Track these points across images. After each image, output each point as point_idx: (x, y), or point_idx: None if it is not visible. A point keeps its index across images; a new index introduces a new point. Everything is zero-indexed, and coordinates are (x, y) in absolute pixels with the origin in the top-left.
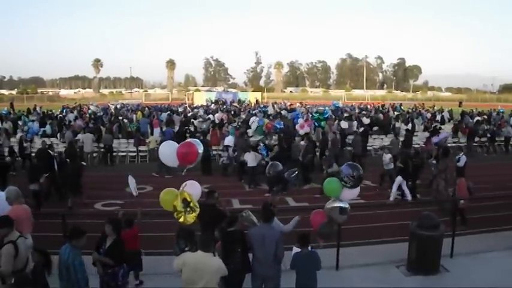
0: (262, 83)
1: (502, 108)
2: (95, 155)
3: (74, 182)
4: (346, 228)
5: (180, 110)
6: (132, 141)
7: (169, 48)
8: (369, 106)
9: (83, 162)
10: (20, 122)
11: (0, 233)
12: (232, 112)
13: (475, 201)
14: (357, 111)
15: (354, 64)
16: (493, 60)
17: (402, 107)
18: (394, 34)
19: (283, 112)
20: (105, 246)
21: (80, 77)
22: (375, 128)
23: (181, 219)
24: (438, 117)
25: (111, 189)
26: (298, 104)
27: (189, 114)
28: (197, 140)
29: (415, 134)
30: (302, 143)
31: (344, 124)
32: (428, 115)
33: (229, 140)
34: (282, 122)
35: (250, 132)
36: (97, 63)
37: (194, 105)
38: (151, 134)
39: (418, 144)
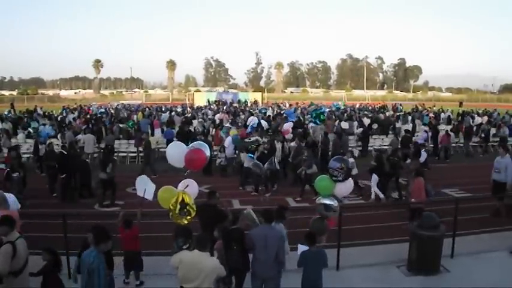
0: (262, 83)
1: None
2: (95, 155)
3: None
4: (347, 229)
5: (179, 110)
6: (132, 141)
7: (169, 49)
8: (370, 107)
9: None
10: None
11: (0, 231)
12: (233, 112)
13: (476, 202)
14: (358, 113)
15: (354, 64)
16: (494, 60)
17: (402, 107)
18: (394, 34)
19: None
20: None
21: (80, 78)
22: (375, 126)
23: (176, 220)
24: (440, 117)
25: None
26: (288, 104)
27: (188, 115)
28: (205, 145)
29: (416, 133)
30: (292, 144)
31: (344, 124)
32: (431, 115)
33: (227, 141)
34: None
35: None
36: (97, 64)
37: (199, 106)
38: (152, 134)
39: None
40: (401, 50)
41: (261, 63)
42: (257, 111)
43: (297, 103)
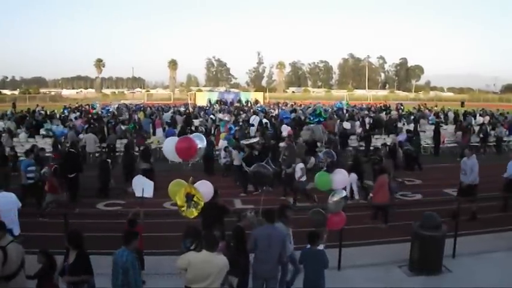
0: (264, 83)
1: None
2: (97, 155)
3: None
4: (348, 229)
5: (181, 109)
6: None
7: (171, 49)
8: (372, 107)
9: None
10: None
11: None
12: (235, 112)
13: (478, 202)
14: (365, 112)
15: (356, 64)
16: (495, 61)
17: (403, 107)
18: (396, 34)
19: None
20: (69, 261)
21: (82, 77)
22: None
23: (184, 214)
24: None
25: (113, 189)
26: (282, 104)
27: (191, 114)
28: (199, 135)
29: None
30: (282, 144)
31: (346, 124)
32: (431, 115)
33: (221, 144)
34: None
35: (252, 131)
36: (99, 63)
37: (202, 105)
38: (154, 134)
39: (420, 144)
40: (403, 50)
41: (263, 62)
42: (258, 109)
43: (294, 103)
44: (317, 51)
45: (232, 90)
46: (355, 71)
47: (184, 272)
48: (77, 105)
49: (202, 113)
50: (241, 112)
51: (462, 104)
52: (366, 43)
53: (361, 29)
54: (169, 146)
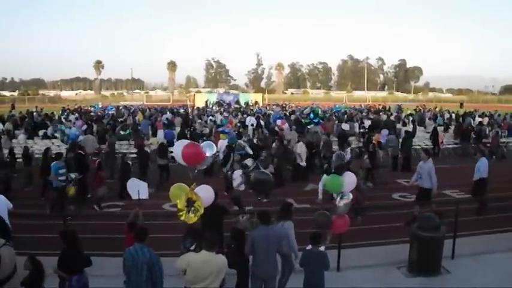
0: (263, 84)
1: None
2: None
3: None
4: (347, 230)
5: (181, 111)
6: (133, 142)
7: (170, 50)
8: (372, 109)
9: None
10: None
11: None
12: (233, 114)
13: (477, 203)
14: (364, 113)
15: (355, 65)
16: (494, 62)
17: (401, 109)
18: (395, 35)
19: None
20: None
21: (81, 79)
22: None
23: (182, 218)
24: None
25: (112, 190)
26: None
27: (190, 116)
28: (210, 143)
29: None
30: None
31: (345, 126)
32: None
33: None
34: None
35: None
36: (98, 65)
37: (203, 107)
38: (153, 135)
39: (420, 145)
40: (402, 51)
41: (262, 64)
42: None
43: (285, 104)
44: (316, 53)
45: (231, 91)
46: (354, 73)
47: (183, 273)
48: (75, 107)
49: (201, 115)
50: (239, 114)
51: (461, 105)
52: (364, 44)
53: (360, 31)
54: (178, 150)
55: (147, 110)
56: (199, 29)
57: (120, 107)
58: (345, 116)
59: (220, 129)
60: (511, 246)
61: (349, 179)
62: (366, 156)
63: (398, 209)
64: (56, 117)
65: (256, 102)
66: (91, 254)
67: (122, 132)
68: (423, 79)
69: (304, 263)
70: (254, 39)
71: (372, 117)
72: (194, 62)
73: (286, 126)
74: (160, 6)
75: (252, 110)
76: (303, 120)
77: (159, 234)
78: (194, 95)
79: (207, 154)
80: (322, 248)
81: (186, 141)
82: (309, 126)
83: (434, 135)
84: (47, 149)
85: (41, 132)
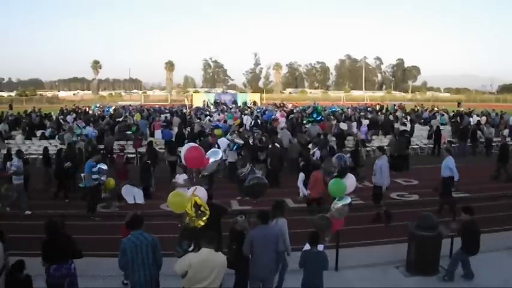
0: (261, 84)
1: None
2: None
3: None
4: (345, 229)
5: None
6: (131, 142)
7: (168, 50)
8: (369, 108)
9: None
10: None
11: None
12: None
13: (474, 202)
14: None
15: (352, 65)
16: (492, 61)
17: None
18: (392, 35)
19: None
20: None
21: (78, 79)
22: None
23: (193, 223)
24: (438, 117)
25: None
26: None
27: (188, 116)
28: (217, 150)
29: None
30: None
31: (343, 125)
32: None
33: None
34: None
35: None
36: (96, 65)
37: (198, 106)
38: (151, 135)
39: (417, 145)
40: (399, 51)
41: (260, 64)
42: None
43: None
44: (314, 52)
45: (229, 91)
46: (352, 72)
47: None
48: (73, 107)
49: (199, 114)
50: (237, 113)
51: (459, 105)
52: (362, 44)
53: (358, 30)
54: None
55: (145, 110)
56: (197, 29)
57: (118, 107)
58: (343, 115)
59: (213, 124)
60: (509, 245)
61: (351, 182)
62: (348, 155)
63: (396, 209)
64: (54, 118)
65: (254, 102)
66: (91, 254)
67: (128, 132)
68: (421, 78)
69: (303, 263)
70: (252, 39)
71: (369, 116)
72: (192, 62)
73: (282, 119)
74: (158, 6)
75: (251, 109)
76: (305, 120)
77: (157, 234)
78: (192, 94)
79: (211, 160)
80: (320, 248)
81: (191, 144)
82: (307, 126)
83: (436, 134)
84: (60, 150)
85: (38, 133)
